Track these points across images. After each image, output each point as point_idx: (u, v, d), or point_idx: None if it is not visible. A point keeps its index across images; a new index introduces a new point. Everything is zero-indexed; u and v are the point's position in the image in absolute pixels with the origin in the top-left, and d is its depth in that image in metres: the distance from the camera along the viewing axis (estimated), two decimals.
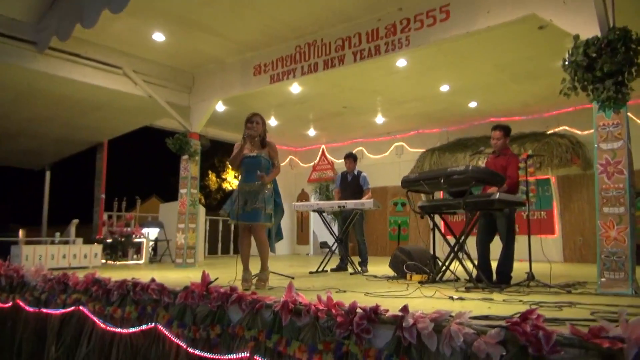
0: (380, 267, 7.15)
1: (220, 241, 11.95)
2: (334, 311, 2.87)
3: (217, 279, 3.74)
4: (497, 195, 4.44)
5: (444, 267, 5.08)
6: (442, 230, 5.22)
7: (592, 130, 9.82)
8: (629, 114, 4.44)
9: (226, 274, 6.13)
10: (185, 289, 3.83)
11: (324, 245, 15.10)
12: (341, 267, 6.92)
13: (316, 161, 13.99)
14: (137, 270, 7.24)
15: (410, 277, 5.35)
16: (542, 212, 10.32)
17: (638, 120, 9.15)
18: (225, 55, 7.54)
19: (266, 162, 4.56)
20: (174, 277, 6.13)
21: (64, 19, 5.85)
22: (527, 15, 4.98)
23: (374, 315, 2.70)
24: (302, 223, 14.13)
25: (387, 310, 2.72)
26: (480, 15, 5.26)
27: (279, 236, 5.59)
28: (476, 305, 3.41)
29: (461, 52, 7.12)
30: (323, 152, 13.86)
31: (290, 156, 14.39)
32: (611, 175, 4.24)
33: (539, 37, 6.80)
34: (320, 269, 6.60)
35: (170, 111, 7.83)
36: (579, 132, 10.02)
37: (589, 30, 4.50)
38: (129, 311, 4.09)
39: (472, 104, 9.97)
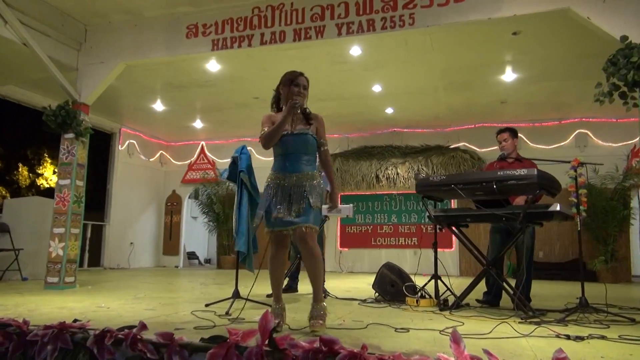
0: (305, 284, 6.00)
1: (88, 251, 9.38)
2: None
3: (278, 323, 2.26)
4: (558, 207, 3.77)
5: (467, 290, 4.25)
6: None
7: (490, 148, 10.41)
8: None
9: (131, 303, 4.29)
10: (215, 340, 2.27)
11: (191, 255, 13.25)
12: (291, 287, 5.62)
13: (193, 159, 12.13)
14: None
15: (417, 302, 4.38)
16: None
17: None
18: (145, 3, 5.65)
19: (314, 142, 3.12)
20: (74, 306, 4.16)
21: None
22: (560, 9, 4.50)
23: None
24: (172, 230, 12.09)
25: None
26: (506, 1, 4.64)
27: (255, 249, 4.15)
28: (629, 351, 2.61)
29: (425, 47, 6.49)
30: (203, 149, 12.10)
31: (161, 151, 12.26)
32: None
33: (500, 46, 6.58)
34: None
35: (52, 70, 5.57)
36: (477, 149, 10.31)
37: (632, 32, 4.18)
38: None
39: (389, 110, 9.53)
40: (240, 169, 4.06)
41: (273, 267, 3.10)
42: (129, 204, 11.04)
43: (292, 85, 3.08)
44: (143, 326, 2.38)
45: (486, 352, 1.93)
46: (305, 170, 3.07)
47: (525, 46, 6.46)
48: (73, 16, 5.91)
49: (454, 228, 4.36)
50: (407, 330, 3.08)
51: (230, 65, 7.18)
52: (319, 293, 3.02)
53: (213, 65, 7.17)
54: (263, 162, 10.54)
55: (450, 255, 10.13)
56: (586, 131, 9.74)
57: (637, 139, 9.33)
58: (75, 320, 2.66)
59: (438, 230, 4.79)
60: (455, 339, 2.00)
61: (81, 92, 5.95)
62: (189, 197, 12.33)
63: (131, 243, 11.03)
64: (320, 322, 2.88)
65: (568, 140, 9.82)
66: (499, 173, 3.82)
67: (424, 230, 10.32)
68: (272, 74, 7.55)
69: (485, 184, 3.82)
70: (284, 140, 3.03)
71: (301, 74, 3.15)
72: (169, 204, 12.23)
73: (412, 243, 10.46)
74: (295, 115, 3.05)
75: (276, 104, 3.26)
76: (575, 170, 4.00)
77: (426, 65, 7.20)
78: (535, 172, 3.63)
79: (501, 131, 4.81)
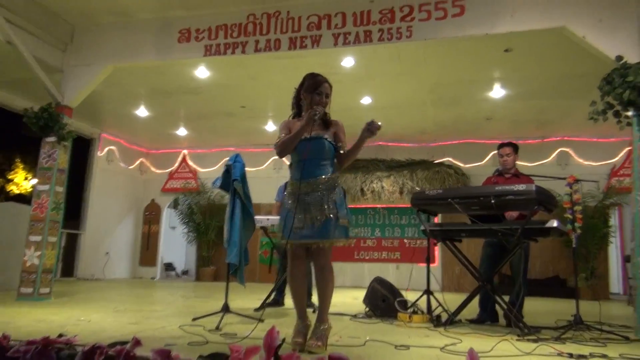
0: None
1: (61, 260, 9.02)
2: None
3: (284, 340, 2.14)
4: (555, 223, 3.75)
5: (461, 306, 4.19)
6: None
7: (475, 164, 10.48)
8: None
9: (112, 316, 4.04)
10: (215, 358, 2.14)
11: (169, 267, 12.92)
12: (277, 301, 5.48)
13: (174, 168, 11.90)
14: None
15: (410, 318, 4.30)
16: (424, 241, 10.30)
17: None
18: (137, 6, 5.51)
19: (330, 147, 2.98)
20: (52, 319, 3.95)
21: None
22: (556, 27, 4.55)
23: None
24: (149, 240, 11.78)
25: None
26: (503, 17, 4.67)
27: (246, 261, 4.01)
28: None
29: (417, 60, 6.51)
30: (184, 158, 11.88)
31: (141, 159, 11.99)
32: None
33: (491, 63, 6.64)
34: (268, 302, 5.19)
35: (36, 70, 5.36)
36: (462, 164, 10.36)
37: (627, 52, 4.23)
38: None
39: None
40: (234, 178, 3.93)
41: (292, 282, 2.97)
42: (106, 213, 10.72)
43: (314, 94, 2.96)
44: (137, 342, 2.22)
45: None
46: (322, 174, 2.93)
47: (515, 63, 6.53)
48: (61, 16, 5.73)
49: (448, 243, 4.31)
50: (408, 347, 2.99)
51: (219, 72, 7.06)
52: (323, 313, 2.89)
53: (202, 72, 7.03)
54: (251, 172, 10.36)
55: (433, 270, 10.04)
56: (568, 150, 9.90)
57: (617, 158, 9.55)
58: (60, 335, 2.48)
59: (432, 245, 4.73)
60: (473, 358, 1.92)
61: (65, 94, 5.75)
62: (169, 207, 12.05)
63: (107, 253, 10.68)
64: (319, 343, 2.72)
65: (550, 158, 9.94)
66: (497, 188, 3.79)
67: (407, 245, 10.31)
68: (262, 83, 7.58)
69: (483, 198, 3.78)
70: (298, 145, 2.91)
71: (325, 81, 3.02)
72: (147, 213, 11.93)
73: (395, 257, 10.42)
74: (314, 122, 2.93)
75: (296, 106, 3.12)
76: (571, 187, 4.00)
77: (416, 79, 7.22)
78: (534, 188, 3.61)
79: (504, 145, 4.74)
